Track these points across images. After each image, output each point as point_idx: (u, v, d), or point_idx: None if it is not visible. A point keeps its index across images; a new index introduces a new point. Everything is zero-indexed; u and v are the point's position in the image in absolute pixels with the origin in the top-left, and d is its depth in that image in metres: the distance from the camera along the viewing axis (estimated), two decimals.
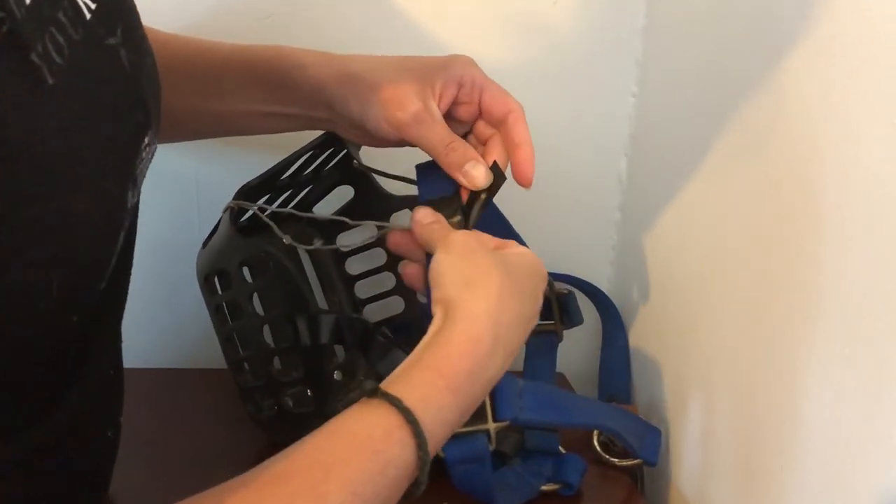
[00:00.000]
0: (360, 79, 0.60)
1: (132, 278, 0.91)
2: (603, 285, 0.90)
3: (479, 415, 0.60)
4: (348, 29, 0.81)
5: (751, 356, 0.64)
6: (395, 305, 0.85)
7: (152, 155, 0.49)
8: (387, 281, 0.84)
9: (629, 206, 0.89)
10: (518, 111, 0.60)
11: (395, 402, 0.44)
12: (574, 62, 0.84)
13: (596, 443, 0.76)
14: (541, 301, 0.55)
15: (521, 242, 0.64)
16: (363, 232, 0.75)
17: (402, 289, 0.83)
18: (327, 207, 0.80)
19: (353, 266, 0.85)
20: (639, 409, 0.79)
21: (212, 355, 0.76)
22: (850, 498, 0.52)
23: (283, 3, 0.79)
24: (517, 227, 0.79)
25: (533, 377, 0.76)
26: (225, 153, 0.85)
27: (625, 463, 0.75)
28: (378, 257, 0.84)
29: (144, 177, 0.48)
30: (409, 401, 0.44)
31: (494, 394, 0.60)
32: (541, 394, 0.67)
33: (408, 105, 0.58)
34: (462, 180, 0.58)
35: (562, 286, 0.74)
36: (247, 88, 0.64)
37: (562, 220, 0.91)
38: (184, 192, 0.86)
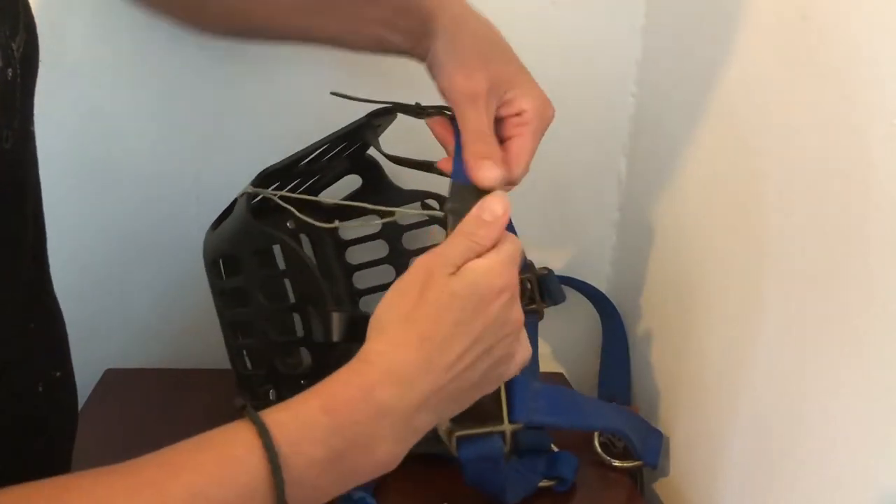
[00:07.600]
0: (460, 37, 0.62)
1: (131, 278, 0.91)
2: (602, 285, 0.90)
3: (494, 416, 0.62)
4: None
5: (750, 355, 0.63)
6: None
7: (25, 78, 0.43)
8: (387, 273, 0.85)
9: (629, 206, 0.89)
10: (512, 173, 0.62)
11: (251, 415, 0.44)
12: (574, 62, 0.84)
13: (597, 443, 0.76)
14: (490, 314, 0.50)
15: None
16: (365, 222, 0.77)
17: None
18: (334, 195, 0.80)
19: (353, 256, 0.86)
20: (639, 410, 0.79)
21: (210, 355, 0.76)
22: (849, 498, 0.52)
23: None
24: (517, 226, 0.79)
25: None
26: (225, 152, 0.84)
27: (625, 464, 0.75)
28: (380, 249, 0.85)
29: (26, 105, 0.44)
30: (272, 415, 0.44)
31: (510, 395, 0.62)
32: (555, 397, 0.69)
33: (474, 86, 0.61)
34: (472, 172, 0.58)
35: (542, 267, 0.75)
36: (360, 8, 0.64)
37: (562, 220, 0.90)
38: (184, 190, 0.85)
